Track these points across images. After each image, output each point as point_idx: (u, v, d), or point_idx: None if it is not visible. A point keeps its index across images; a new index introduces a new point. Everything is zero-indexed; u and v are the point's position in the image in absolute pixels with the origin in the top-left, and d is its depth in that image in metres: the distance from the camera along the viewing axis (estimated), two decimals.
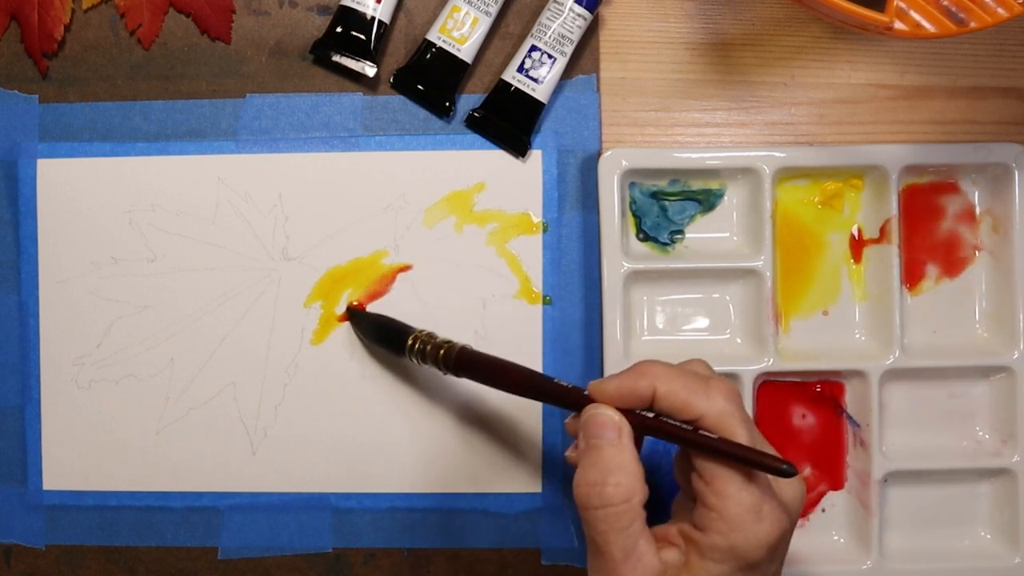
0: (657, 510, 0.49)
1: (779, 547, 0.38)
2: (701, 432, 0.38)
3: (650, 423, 0.39)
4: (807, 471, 0.52)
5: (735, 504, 0.37)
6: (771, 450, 0.39)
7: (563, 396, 0.41)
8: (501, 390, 0.43)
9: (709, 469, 0.37)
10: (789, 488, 0.39)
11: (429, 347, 0.45)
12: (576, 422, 0.41)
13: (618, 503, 0.37)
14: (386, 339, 0.49)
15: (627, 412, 0.39)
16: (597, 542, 0.38)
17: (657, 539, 0.38)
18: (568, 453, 0.42)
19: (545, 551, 0.52)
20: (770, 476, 0.37)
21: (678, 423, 0.38)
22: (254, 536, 0.52)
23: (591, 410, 0.39)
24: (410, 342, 0.46)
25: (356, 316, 0.51)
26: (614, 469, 0.38)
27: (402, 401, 0.51)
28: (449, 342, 0.45)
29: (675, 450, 0.50)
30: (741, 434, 0.37)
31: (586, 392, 0.40)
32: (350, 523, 0.52)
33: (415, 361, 0.46)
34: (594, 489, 0.38)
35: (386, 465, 0.51)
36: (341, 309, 0.51)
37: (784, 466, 0.36)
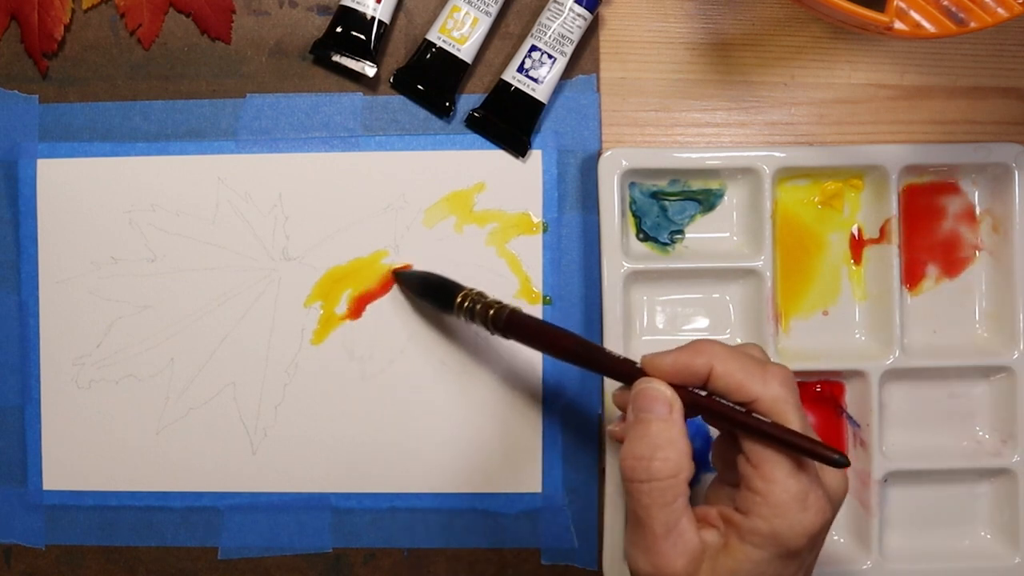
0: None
1: (819, 537, 0.38)
2: (755, 416, 0.37)
3: (703, 402, 0.39)
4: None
5: (782, 490, 0.36)
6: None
7: (614, 367, 0.41)
8: (549, 355, 0.43)
9: (758, 453, 0.37)
10: (835, 479, 0.38)
11: (479, 306, 0.45)
12: (625, 394, 0.41)
13: (664, 478, 0.37)
14: (434, 294, 0.49)
15: (679, 388, 0.39)
16: (639, 515, 0.38)
17: (697, 519, 0.38)
18: (611, 428, 0.42)
19: (545, 551, 0.52)
20: (817, 466, 0.37)
21: (732, 404, 0.38)
22: (254, 536, 0.52)
23: (643, 383, 0.39)
24: (459, 299, 0.46)
25: (403, 275, 0.51)
26: (663, 444, 0.37)
27: (402, 401, 0.51)
28: (500, 303, 0.45)
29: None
30: (794, 421, 0.37)
31: (638, 365, 0.40)
32: (350, 523, 0.52)
33: (463, 318, 0.46)
34: (641, 463, 0.37)
35: (386, 465, 0.51)
36: (341, 309, 0.51)
37: (836, 455, 0.36)
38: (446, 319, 0.51)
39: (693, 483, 0.40)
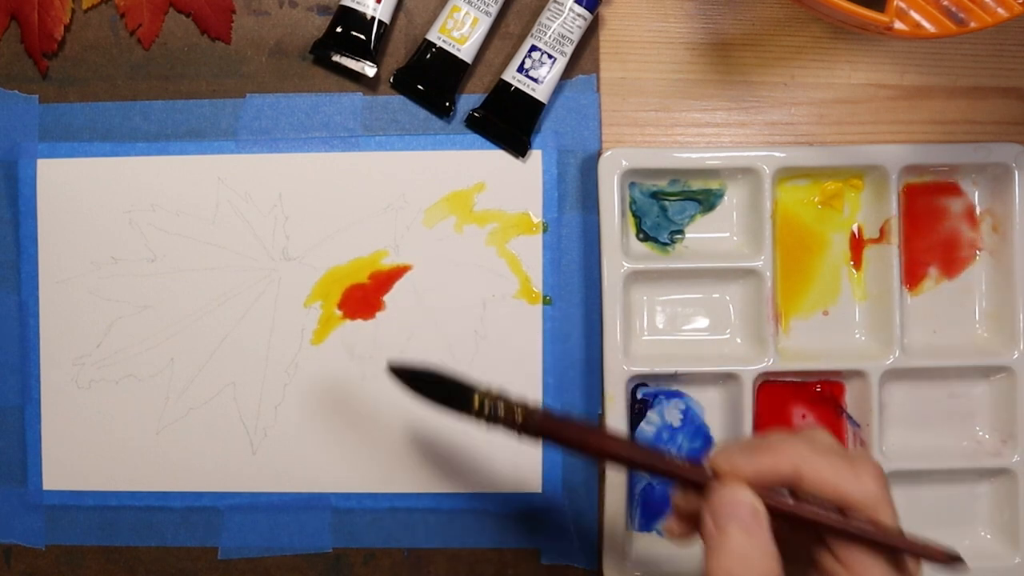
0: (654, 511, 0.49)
1: None
2: (856, 522, 0.35)
3: (788, 510, 0.36)
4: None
5: None
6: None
7: (679, 472, 0.37)
8: (593, 459, 0.39)
9: (852, 555, 0.35)
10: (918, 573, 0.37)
11: (502, 408, 0.39)
12: (686, 499, 0.38)
13: None
14: (441, 395, 0.41)
15: (762, 492, 0.36)
16: None
17: None
18: (669, 526, 0.39)
19: (545, 551, 0.52)
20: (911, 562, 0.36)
21: (823, 510, 0.36)
22: (254, 536, 0.52)
23: (723, 490, 0.36)
24: (477, 402, 0.39)
25: (401, 372, 0.42)
26: (752, 558, 0.35)
27: (402, 401, 0.51)
28: (524, 403, 0.39)
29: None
30: (890, 518, 0.35)
31: (707, 470, 0.36)
32: (350, 523, 0.52)
33: (482, 423, 0.39)
34: None
35: (386, 465, 0.51)
36: (340, 310, 0.51)
37: (953, 553, 0.34)
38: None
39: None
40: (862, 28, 0.42)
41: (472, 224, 0.51)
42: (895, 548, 0.35)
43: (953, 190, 0.53)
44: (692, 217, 0.52)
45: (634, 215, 0.52)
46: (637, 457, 0.38)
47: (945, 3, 0.41)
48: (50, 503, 0.52)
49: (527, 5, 0.52)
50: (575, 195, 0.52)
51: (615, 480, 0.50)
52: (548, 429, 0.39)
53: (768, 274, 0.50)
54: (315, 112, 0.52)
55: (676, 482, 0.37)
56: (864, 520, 0.35)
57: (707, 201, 0.52)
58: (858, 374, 0.51)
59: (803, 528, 0.36)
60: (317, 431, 0.51)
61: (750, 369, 0.50)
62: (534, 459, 0.51)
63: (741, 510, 0.35)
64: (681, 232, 0.52)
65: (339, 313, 0.51)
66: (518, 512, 0.51)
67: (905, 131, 0.52)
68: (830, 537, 0.36)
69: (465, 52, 0.50)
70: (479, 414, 0.39)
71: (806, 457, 0.35)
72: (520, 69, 0.50)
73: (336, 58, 0.50)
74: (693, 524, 0.38)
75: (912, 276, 0.52)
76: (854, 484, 0.35)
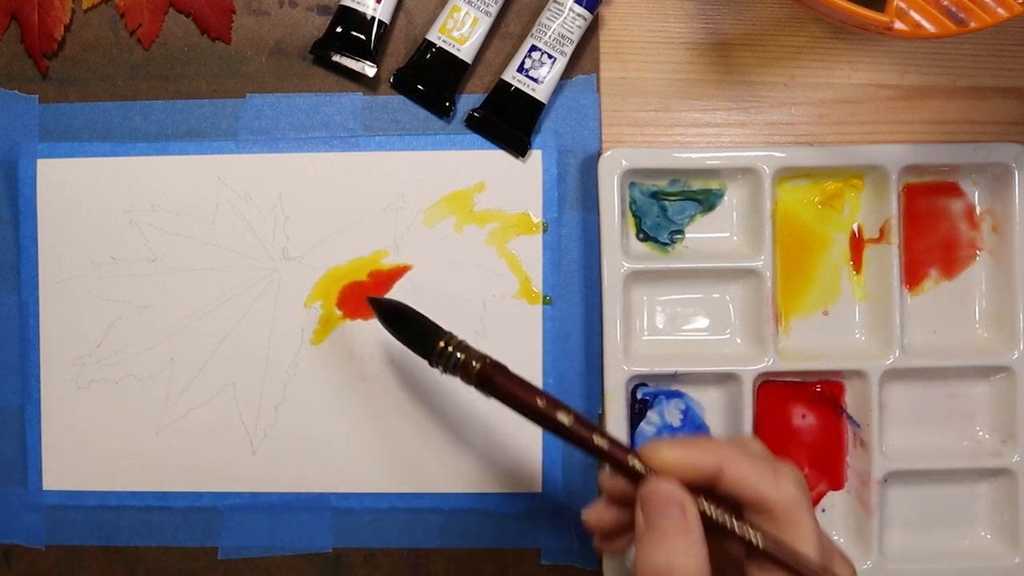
0: None
1: None
2: (774, 551, 0.35)
3: (710, 522, 0.36)
4: (806, 471, 0.52)
5: None
6: (827, 539, 0.37)
7: (605, 455, 0.37)
8: (536, 424, 0.39)
9: (768, 571, 0.35)
10: None
11: (462, 355, 0.40)
12: (615, 481, 0.38)
13: None
14: (411, 333, 0.43)
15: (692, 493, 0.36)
16: None
17: None
18: (587, 516, 0.39)
19: (545, 551, 0.52)
20: None
21: (739, 529, 0.36)
22: (254, 536, 0.52)
23: (655, 484, 0.36)
24: (441, 346, 0.41)
25: (378, 304, 0.45)
26: (680, 552, 0.35)
27: (402, 401, 0.51)
28: (486, 357, 0.40)
29: None
30: (807, 524, 0.35)
31: (633, 463, 0.37)
32: (350, 523, 0.52)
33: (439, 368, 0.41)
34: (659, 573, 0.35)
35: (386, 465, 0.51)
36: (340, 310, 0.51)
37: None
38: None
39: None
40: (862, 28, 0.42)
41: (472, 224, 0.51)
42: (793, 570, 0.35)
43: (953, 190, 0.53)
44: (692, 217, 0.52)
45: (634, 215, 0.52)
46: (575, 437, 0.38)
47: (945, 3, 0.41)
48: (50, 503, 0.52)
49: (527, 5, 0.52)
50: (575, 195, 0.52)
51: None
52: (499, 385, 0.39)
53: (768, 274, 0.50)
54: (315, 112, 0.52)
55: (606, 462, 0.38)
56: (773, 535, 0.35)
57: (707, 201, 0.52)
58: (858, 374, 0.51)
59: (717, 537, 0.36)
60: (317, 431, 0.51)
61: (750, 369, 0.50)
62: (534, 459, 0.51)
63: (672, 505, 0.35)
64: (681, 232, 0.52)
65: (339, 313, 0.51)
66: (518, 512, 0.51)
67: (905, 131, 0.52)
68: (750, 558, 0.36)
69: (465, 52, 0.50)
70: (440, 358, 0.40)
71: (730, 456, 0.36)
72: (520, 69, 0.50)
73: (336, 58, 0.50)
74: (619, 509, 0.39)
75: (912, 276, 0.52)
76: (773, 487, 0.35)
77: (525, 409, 0.39)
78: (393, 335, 0.44)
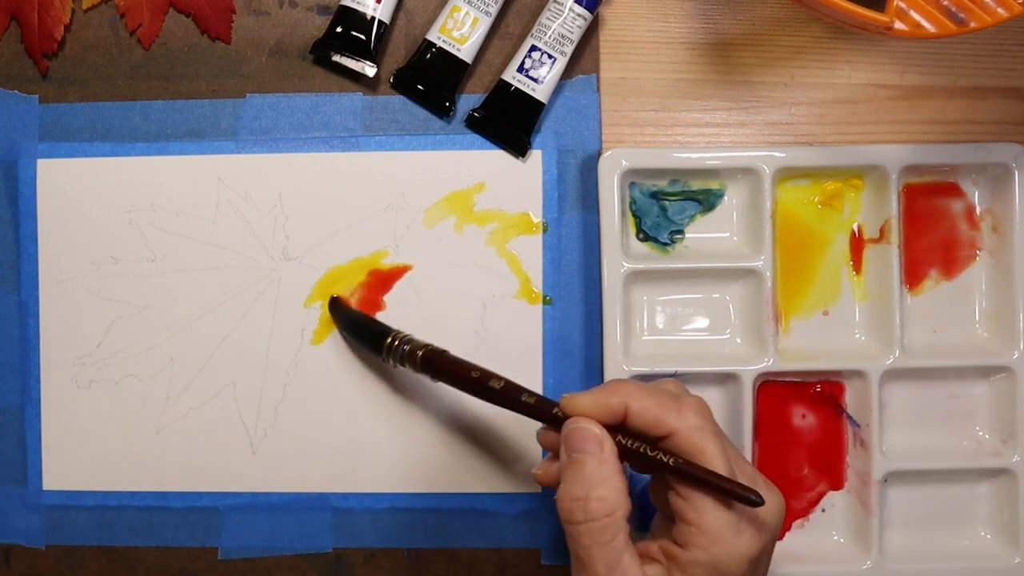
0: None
1: (760, 561, 0.38)
2: (673, 461, 0.38)
3: (625, 450, 0.39)
4: (806, 470, 0.52)
5: (714, 519, 0.37)
6: (747, 465, 0.40)
7: (532, 409, 0.41)
8: (473, 395, 0.43)
9: (686, 490, 0.38)
10: (768, 503, 0.38)
11: (407, 347, 0.45)
12: (548, 434, 0.42)
13: (601, 517, 0.37)
14: (364, 337, 0.49)
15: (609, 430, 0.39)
16: (581, 556, 0.38)
17: (639, 555, 0.38)
18: (536, 472, 0.42)
19: (545, 551, 0.52)
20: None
21: (651, 453, 0.39)
22: (254, 536, 0.52)
23: (573, 423, 0.40)
24: (389, 340, 0.46)
25: (336, 311, 0.51)
26: (597, 483, 0.38)
27: (402, 401, 0.51)
28: (427, 345, 0.45)
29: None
30: (712, 448, 0.38)
31: (555, 410, 0.40)
32: (350, 523, 0.52)
33: (391, 363, 0.47)
34: (577, 503, 0.38)
35: (386, 465, 0.51)
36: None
37: (752, 496, 0.36)
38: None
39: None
40: (862, 28, 0.42)
41: (472, 224, 0.51)
42: (706, 484, 0.37)
43: (953, 190, 0.53)
44: (692, 217, 0.52)
45: (634, 215, 0.52)
46: (499, 395, 0.42)
47: (945, 3, 0.41)
48: (50, 503, 0.52)
49: (527, 5, 0.52)
50: (575, 195, 0.52)
51: None
52: (439, 366, 0.44)
53: (768, 274, 0.50)
54: (315, 112, 0.52)
55: (534, 417, 0.41)
56: (680, 456, 0.38)
57: (707, 201, 0.52)
58: (858, 374, 0.51)
59: (637, 466, 0.41)
60: (317, 431, 0.51)
61: (750, 369, 0.50)
62: (534, 459, 0.51)
63: (587, 441, 0.39)
64: (681, 232, 0.52)
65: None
66: (518, 512, 0.51)
67: (905, 131, 0.52)
68: (668, 477, 0.39)
69: (465, 52, 0.50)
70: (388, 352, 0.46)
71: (634, 394, 0.39)
72: (520, 69, 0.50)
73: (336, 58, 0.50)
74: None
75: (912, 276, 0.52)
76: (676, 417, 0.39)
77: (464, 383, 0.43)
78: (351, 339, 0.51)
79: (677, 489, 0.38)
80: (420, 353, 0.45)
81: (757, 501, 0.36)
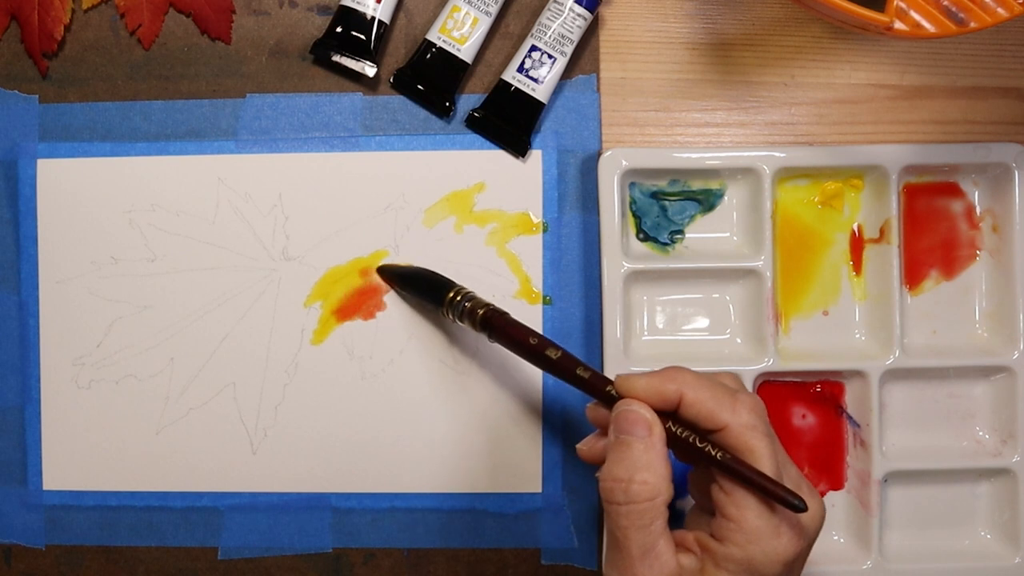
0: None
1: (795, 565, 0.38)
2: (721, 456, 0.38)
3: (673, 437, 0.39)
4: (806, 470, 0.52)
5: (755, 517, 0.37)
6: (793, 469, 0.39)
7: (586, 384, 0.41)
8: (531, 362, 0.44)
9: (729, 485, 0.38)
10: (810, 509, 0.38)
11: (469, 304, 0.46)
12: (597, 410, 0.42)
13: (642, 501, 0.37)
14: (424, 288, 0.50)
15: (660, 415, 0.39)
16: (617, 537, 0.38)
17: (675, 543, 0.38)
18: (580, 446, 0.42)
19: (545, 551, 0.52)
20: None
21: (700, 445, 0.38)
22: (254, 536, 0.52)
23: (624, 405, 0.39)
24: (451, 295, 0.47)
25: (389, 268, 0.51)
26: (642, 467, 0.38)
27: (402, 401, 0.51)
28: (490, 304, 0.46)
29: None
30: (763, 448, 0.38)
31: (609, 388, 0.40)
32: (350, 523, 0.52)
33: (450, 316, 0.47)
34: (620, 485, 0.38)
35: (386, 465, 0.51)
36: (341, 310, 0.51)
37: (796, 501, 0.36)
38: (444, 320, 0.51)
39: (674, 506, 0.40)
40: (862, 28, 0.42)
41: (472, 224, 0.51)
42: (750, 483, 0.37)
43: (953, 190, 0.53)
44: (692, 217, 0.52)
45: (634, 215, 0.52)
46: (558, 367, 0.42)
47: (945, 3, 0.41)
48: (50, 503, 0.52)
49: (527, 5, 0.52)
50: (575, 195, 0.52)
51: None
52: (498, 328, 0.44)
53: (768, 274, 0.50)
54: (315, 112, 0.52)
55: (588, 392, 0.41)
56: (729, 453, 0.38)
57: (707, 201, 0.52)
58: (858, 374, 0.51)
59: (684, 456, 0.41)
60: (317, 431, 0.51)
61: (750, 369, 0.50)
62: (534, 459, 0.51)
63: (637, 424, 0.39)
64: (681, 232, 0.52)
65: (339, 313, 0.51)
66: (518, 512, 0.51)
67: (905, 131, 0.52)
68: (714, 470, 0.39)
69: (465, 52, 0.50)
70: (449, 306, 0.47)
71: (691, 383, 0.39)
72: (520, 69, 0.50)
73: (336, 58, 0.50)
74: (605, 438, 0.41)
75: (912, 276, 0.52)
76: (730, 413, 0.38)
77: (520, 347, 0.44)
78: (409, 292, 0.51)
79: (721, 484, 0.38)
80: (481, 312, 0.45)
81: (800, 506, 0.36)
